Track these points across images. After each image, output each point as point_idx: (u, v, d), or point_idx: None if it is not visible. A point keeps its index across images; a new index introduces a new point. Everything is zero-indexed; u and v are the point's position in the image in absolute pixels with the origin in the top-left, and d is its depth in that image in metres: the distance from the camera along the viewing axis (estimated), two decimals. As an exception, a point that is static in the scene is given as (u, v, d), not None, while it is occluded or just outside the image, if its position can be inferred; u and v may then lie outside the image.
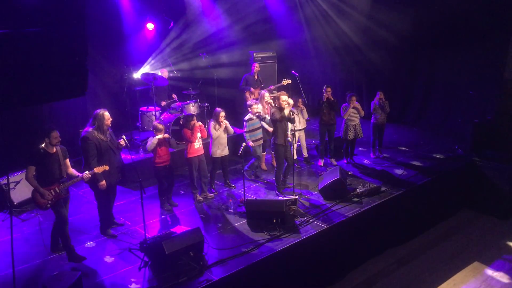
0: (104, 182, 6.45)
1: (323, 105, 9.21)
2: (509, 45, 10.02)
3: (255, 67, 11.06)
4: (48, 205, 5.97)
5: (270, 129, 8.38)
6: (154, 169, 7.57)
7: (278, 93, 8.10)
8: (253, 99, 9.18)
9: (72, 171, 6.23)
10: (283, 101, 7.75)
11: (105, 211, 6.84)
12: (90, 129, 6.50)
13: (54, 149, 5.96)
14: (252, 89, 10.88)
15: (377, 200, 7.77)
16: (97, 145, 6.42)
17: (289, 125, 8.01)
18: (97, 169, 6.25)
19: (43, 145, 5.91)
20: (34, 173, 5.91)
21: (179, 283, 5.60)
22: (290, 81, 10.52)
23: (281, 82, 10.61)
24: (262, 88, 10.97)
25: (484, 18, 10.26)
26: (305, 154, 9.73)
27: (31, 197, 6.06)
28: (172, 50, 11.48)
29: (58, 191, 6.00)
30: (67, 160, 6.20)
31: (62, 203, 6.09)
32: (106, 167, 6.37)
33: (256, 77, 11.02)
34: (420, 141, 11.00)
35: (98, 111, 6.58)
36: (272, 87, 10.79)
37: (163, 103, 10.29)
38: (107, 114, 6.57)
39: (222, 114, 8.00)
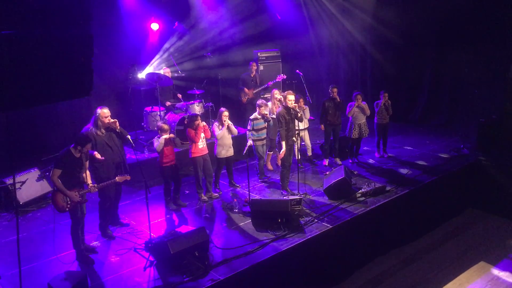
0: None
1: (328, 105, 9.19)
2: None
3: (252, 66, 11.04)
4: (67, 208, 5.94)
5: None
6: (160, 169, 7.58)
7: (285, 92, 8.07)
8: (262, 99, 9.15)
9: (84, 175, 6.19)
10: (289, 100, 7.73)
11: (104, 209, 6.80)
12: (89, 126, 6.55)
13: (79, 154, 5.95)
14: (246, 89, 10.86)
15: (382, 200, 7.75)
16: (92, 142, 6.39)
17: (296, 123, 7.99)
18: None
19: (71, 148, 5.90)
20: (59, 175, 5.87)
21: (184, 283, 5.61)
22: (285, 76, 10.48)
23: (276, 79, 10.60)
24: (255, 88, 10.95)
25: (490, 17, 10.21)
26: (309, 153, 9.69)
27: (50, 198, 6.04)
28: (176, 49, 11.49)
29: (79, 195, 6.00)
30: (87, 163, 6.19)
31: (78, 207, 6.07)
32: (102, 158, 6.42)
33: (252, 77, 10.98)
34: (425, 141, 10.95)
35: (97, 108, 6.62)
36: (270, 84, 10.75)
37: (168, 104, 10.30)
38: (104, 111, 6.53)
39: (226, 114, 8.00)
